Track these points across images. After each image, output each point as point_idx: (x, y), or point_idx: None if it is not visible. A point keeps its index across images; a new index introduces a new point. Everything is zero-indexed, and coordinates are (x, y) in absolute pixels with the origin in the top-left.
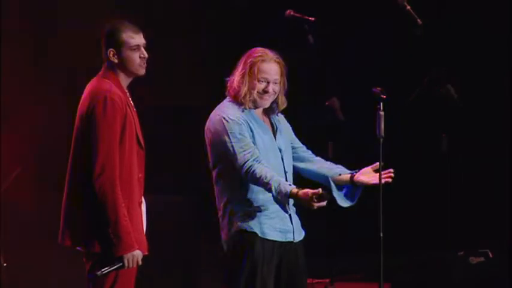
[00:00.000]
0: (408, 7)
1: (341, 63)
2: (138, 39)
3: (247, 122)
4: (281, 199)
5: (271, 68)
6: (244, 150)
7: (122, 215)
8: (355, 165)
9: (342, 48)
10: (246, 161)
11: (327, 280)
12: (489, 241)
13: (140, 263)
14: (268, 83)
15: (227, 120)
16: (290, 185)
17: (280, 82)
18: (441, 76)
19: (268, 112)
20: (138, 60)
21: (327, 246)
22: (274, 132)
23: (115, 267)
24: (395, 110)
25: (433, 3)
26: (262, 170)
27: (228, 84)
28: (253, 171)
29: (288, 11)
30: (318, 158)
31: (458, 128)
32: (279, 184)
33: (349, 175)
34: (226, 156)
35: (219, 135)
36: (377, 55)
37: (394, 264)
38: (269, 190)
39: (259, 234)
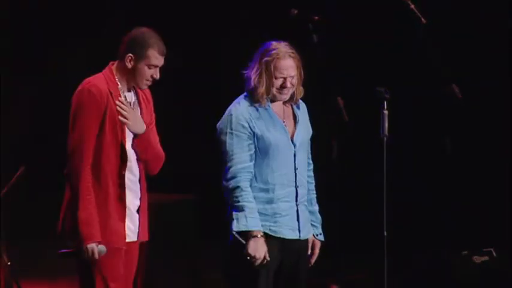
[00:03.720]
0: (412, 6)
1: (344, 62)
2: (160, 60)
3: (256, 119)
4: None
5: (286, 64)
6: (239, 161)
7: (83, 206)
8: (357, 165)
9: (345, 47)
10: (236, 177)
11: (330, 280)
12: (493, 240)
13: (97, 256)
14: (285, 79)
15: (234, 120)
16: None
17: (296, 75)
18: (445, 75)
19: (289, 102)
20: (149, 78)
21: (329, 245)
22: (296, 124)
23: (70, 250)
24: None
25: (435, 3)
26: (247, 198)
27: (245, 78)
28: (239, 195)
29: (292, 10)
30: (310, 184)
31: (461, 129)
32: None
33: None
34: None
35: (223, 132)
36: (380, 54)
37: (397, 263)
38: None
39: (269, 233)
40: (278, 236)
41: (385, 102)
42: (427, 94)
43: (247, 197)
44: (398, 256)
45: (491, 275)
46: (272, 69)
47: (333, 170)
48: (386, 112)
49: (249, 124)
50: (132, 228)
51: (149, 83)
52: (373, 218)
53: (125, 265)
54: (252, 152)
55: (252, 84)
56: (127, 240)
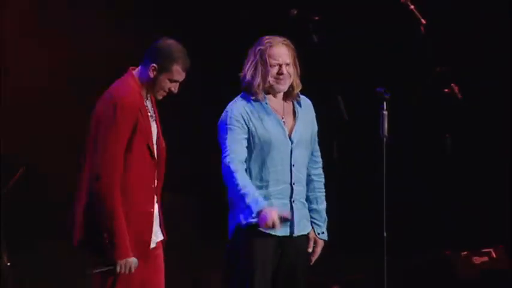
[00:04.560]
0: (412, 6)
1: (344, 62)
2: (182, 76)
3: (251, 116)
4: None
5: (280, 51)
6: (232, 151)
7: (117, 222)
8: (357, 164)
9: (345, 47)
10: (229, 162)
11: (330, 280)
12: (493, 240)
13: (133, 270)
14: (280, 66)
15: (229, 115)
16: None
17: (292, 64)
18: (445, 75)
19: (288, 98)
20: (167, 90)
21: (329, 245)
22: (295, 120)
23: (106, 269)
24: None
25: (435, 3)
26: (243, 179)
27: (242, 78)
28: (233, 176)
29: (292, 10)
30: (316, 182)
31: (461, 129)
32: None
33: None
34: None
35: (220, 128)
36: (380, 54)
37: (397, 263)
38: (244, 203)
39: (262, 230)
40: (268, 232)
41: (385, 103)
42: (427, 94)
43: (246, 188)
44: (398, 256)
45: (491, 275)
46: (266, 57)
47: (333, 170)
48: (386, 113)
49: (243, 119)
50: (157, 229)
51: (165, 94)
52: (373, 218)
53: (156, 270)
54: (246, 145)
55: (248, 76)
56: (152, 246)
